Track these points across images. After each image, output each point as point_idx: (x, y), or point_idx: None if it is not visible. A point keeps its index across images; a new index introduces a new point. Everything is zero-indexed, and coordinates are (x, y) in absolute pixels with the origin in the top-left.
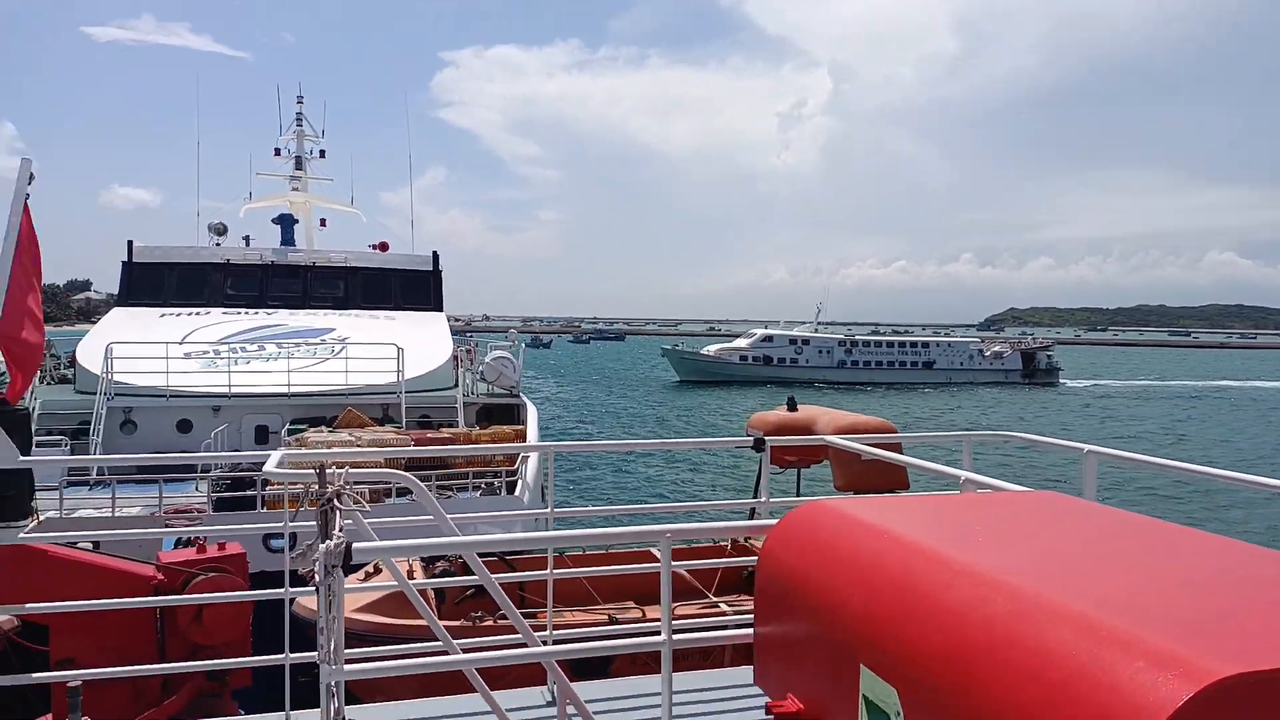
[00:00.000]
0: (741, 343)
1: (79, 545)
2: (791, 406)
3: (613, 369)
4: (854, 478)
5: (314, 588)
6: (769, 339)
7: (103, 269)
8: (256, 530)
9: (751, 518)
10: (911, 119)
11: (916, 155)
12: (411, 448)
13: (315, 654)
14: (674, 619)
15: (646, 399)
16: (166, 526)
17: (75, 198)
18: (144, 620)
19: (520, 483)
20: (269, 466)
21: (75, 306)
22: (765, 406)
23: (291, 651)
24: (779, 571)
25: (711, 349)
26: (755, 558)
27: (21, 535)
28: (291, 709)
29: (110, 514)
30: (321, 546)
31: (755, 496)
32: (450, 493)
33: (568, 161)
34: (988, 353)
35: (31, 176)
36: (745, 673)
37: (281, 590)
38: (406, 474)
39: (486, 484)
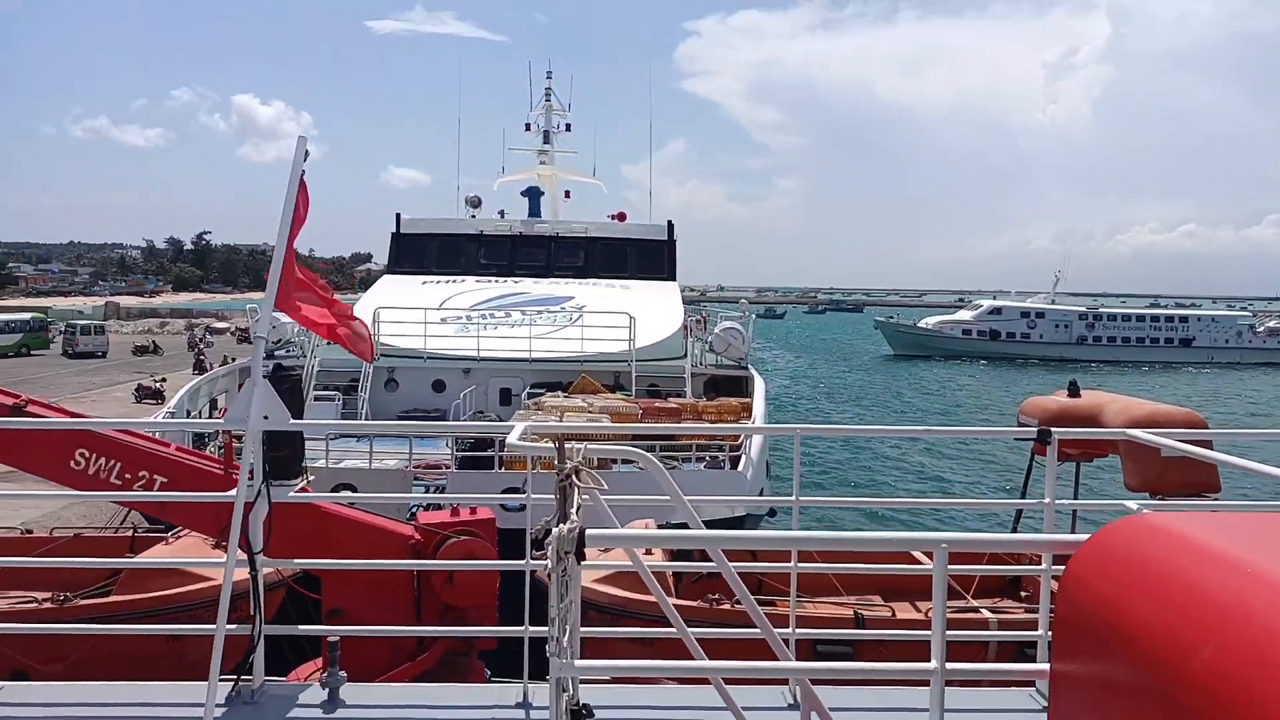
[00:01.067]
0: (965, 315)
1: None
2: (1074, 391)
3: (829, 341)
4: (1152, 477)
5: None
6: (997, 311)
7: (381, 243)
8: (493, 499)
9: (1018, 519)
10: (1207, 60)
11: (1212, 102)
12: (652, 425)
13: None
14: (925, 625)
15: (855, 373)
16: (416, 480)
17: (359, 179)
18: (403, 578)
19: (744, 458)
20: (511, 439)
21: (358, 277)
22: (987, 384)
23: (533, 622)
24: (1091, 601)
25: (930, 321)
26: (1025, 567)
27: (291, 494)
28: (532, 679)
29: (368, 466)
30: (554, 531)
31: (1023, 494)
32: (675, 463)
33: (810, 126)
34: (1260, 329)
35: (306, 154)
36: (1019, 696)
37: (521, 562)
38: (647, 454)
39: (711, 457)
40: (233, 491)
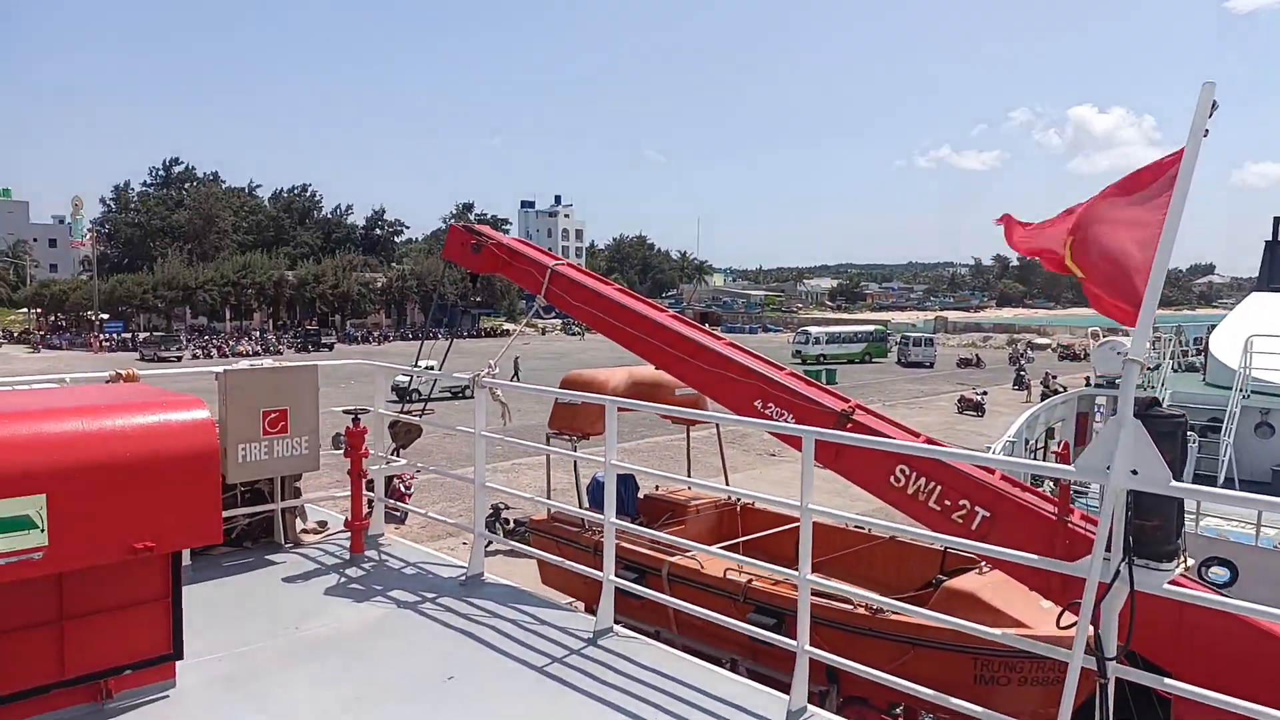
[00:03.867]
0: None
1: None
2: None
3: None
4: None
5: None
6: None
7: (1227, 251)
8: None
9: None
10: None
11: None
12: None
13: None
14: None
15: None
16: None
17: (1200, 180)
18: None
19: None
20: None
21: (1197, 290)
22: None
23: None
24: None
25: None
26: None
27: (1165, 585)
28: None
29: (1253, 534)
30: None
31: None
32: None
33: None
34: None
35: (1214, 105)
36: None
37: None
38: None
39: None
40: (1083, 562)
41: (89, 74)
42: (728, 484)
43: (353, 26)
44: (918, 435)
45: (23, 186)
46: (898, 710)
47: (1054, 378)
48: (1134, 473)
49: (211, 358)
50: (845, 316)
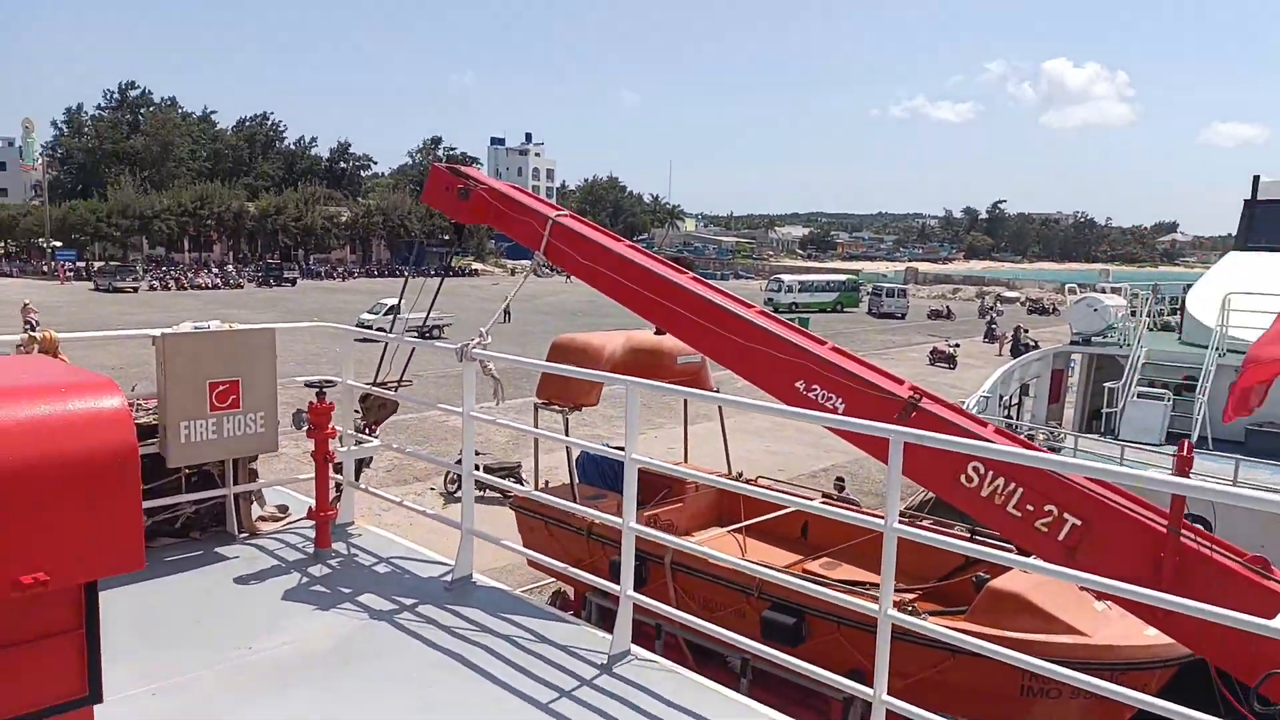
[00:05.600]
0: None
1: None
2: None
3: None
4: None
5: None
6: None
7: (1191, 210)
8: None
9: None
10: None
11: None
12: None
13: None
14: None
15: None
16: None
17: (1171, 141)
18: None
19: None
20: None
21: (1160, 248)
22: None
23: None
24: None
25: None
26: None
27: None
28: None
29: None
30: None
31: None
32: None
33: None
34: None
35: None
36: None
37: None
38: None
39: None
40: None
41: None
42: (729, 468)
43: None
44: (985, 424)
45: None
46: None
47: (1025, 331)
48: None
49: (169, 289)
50: (817, 265)
